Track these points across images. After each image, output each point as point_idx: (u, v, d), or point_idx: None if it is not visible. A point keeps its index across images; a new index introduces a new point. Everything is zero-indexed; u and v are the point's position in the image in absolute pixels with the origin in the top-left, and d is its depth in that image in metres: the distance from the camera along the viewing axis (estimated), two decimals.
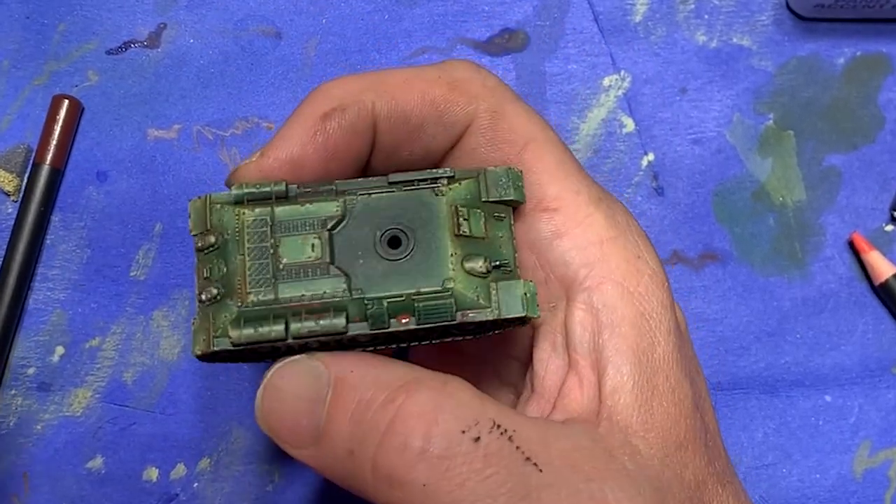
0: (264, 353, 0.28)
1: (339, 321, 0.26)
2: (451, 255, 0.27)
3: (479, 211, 0.28)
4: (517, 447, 0.25)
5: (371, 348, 0.28)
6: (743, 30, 0.44)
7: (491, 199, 0.28)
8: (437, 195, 0.28)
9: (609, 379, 0.28)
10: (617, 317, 0.28)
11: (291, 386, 0.27)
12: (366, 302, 0.26)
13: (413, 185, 0.28)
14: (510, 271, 0.27)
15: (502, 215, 0.28)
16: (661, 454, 0.27)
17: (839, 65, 0.44)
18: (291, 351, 0.27)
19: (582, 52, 0.44)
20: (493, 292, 0.26)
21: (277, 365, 0.27)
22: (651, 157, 0.43)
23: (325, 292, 0.27)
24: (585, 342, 0.29)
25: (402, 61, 0.43)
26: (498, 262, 0.27)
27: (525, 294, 0.26)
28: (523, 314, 0.26)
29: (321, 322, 0.26)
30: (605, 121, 0.43)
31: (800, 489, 0.42)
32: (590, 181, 0.31)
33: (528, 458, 0.25)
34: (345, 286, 0.26)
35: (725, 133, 0.44)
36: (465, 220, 0.27)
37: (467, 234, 0.27)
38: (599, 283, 0.29)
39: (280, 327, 0.26)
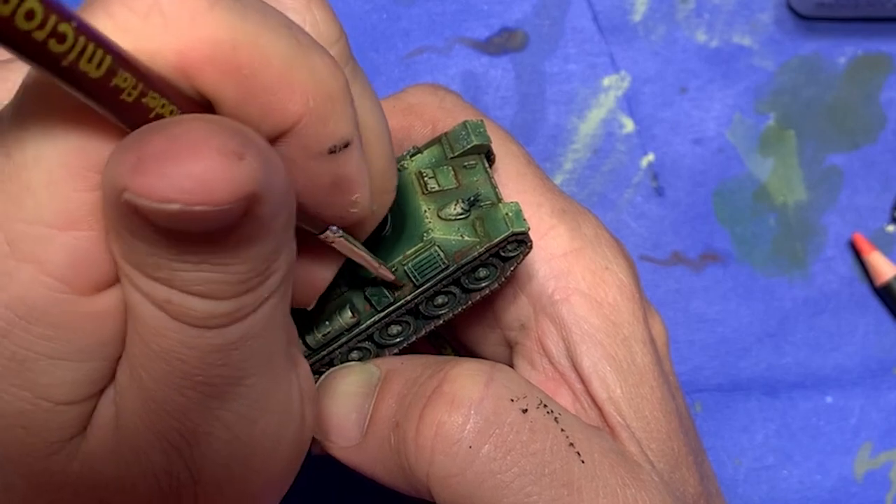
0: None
1: (346, 315, 0.26)
2: (425, 211, 0.27)
3: (445, 167, 0.28)
4: (562, 430, 0.25)
5: (418, 341, 0.29)
6: (743, 29, 0.44)
7: (456, 154, 0.28)
8: (400, 171, 0.28)
9: (598, 390, 0.28)
10: (589, 327, 0.28)
11: (343, 385, 0.27)
12: (364, 288, 0.27)
13: None
14: (493, 204, 0.27)
15: (473, 163, 0.28)
16: (668, 468, 0.27)
17: (840, 64, 0.44)
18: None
19: (581, 52, 0.43)
20: (478, 226, 0.26)
21: (331, 370, 0.28)
22: (651, 157, 0.43)
23: (324, 296, 0.27)
24: (564, 356, 0.28)
25: (400, 61, 0.43)
26: (473, 198, 0.27)
27: (507, 214, 0.26)
28: (508, 231, 0.26)
29: (332, 325, 0.27)
30: (604, 121, 0.43)
31: (800, 491, 0.42)
32: (554, 193, 0.30)
33: (571, 444, 0.25)
34: (340, 282, 0.27)
35: (726, 133, 0.43)
36: (430, 178, 0.28)
37: (436, 189, 0.27)
38: (567, 296, 0.28)
39: (300, 345, 0.27)
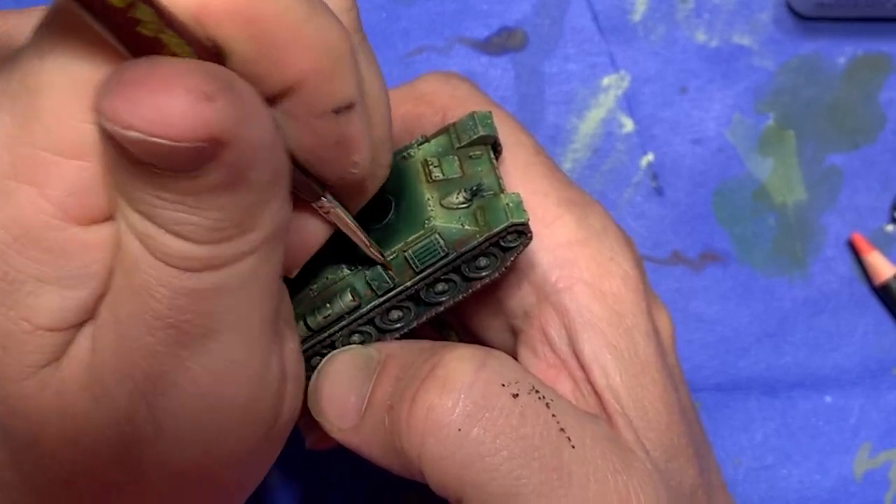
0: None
1: (347, 298, 0.27)
2: (428, 199, 0.27)
3: (451, 156, 0.28)
4: (553, 415, 0.25)
5: (420, 327, 0.29)
6: (743, 29, 0.44)
7: (463, 144, 0.28)
8: (406, 159, 0.29)
9: (598, 378, 0.28)
10: (592, 317, 0.28)
11: (343, 368, 0.27)
12: (366, 272, 0.27)
13: None
14: (495, 194, 0.27)
15: (479, 153, 0.28)
16: (665, 457, 0.27)
17: (840, 64, 0.44)
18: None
19: (581, 52, 0.43)
20: (479, 216, 0.27)
21: (331, 352, 0.28)
22: (651, 157, 0.43)
23: (327, 279, 0.28)
24: (566, 344, 0.29)
25: (400, 61, 0.43)
26: (475, 188, 0.27)
27: (507, 205, 0.26)
28: (508, 222, 0.26)
29: (333, 307, 0.27)
30: (604, 121, 0.43)
31: (800, 490, 0.42)
32: (563, 183, 0.31)
33: (562, 430, 0.25)
34: (343, 265, 0.27)
35: (726, 133, 0.43)
36: (435, 167, 0.28)
37: (441, 178, 0.28)
38: (571, 285, 0.29)
39: (301, 326, 0.27)
